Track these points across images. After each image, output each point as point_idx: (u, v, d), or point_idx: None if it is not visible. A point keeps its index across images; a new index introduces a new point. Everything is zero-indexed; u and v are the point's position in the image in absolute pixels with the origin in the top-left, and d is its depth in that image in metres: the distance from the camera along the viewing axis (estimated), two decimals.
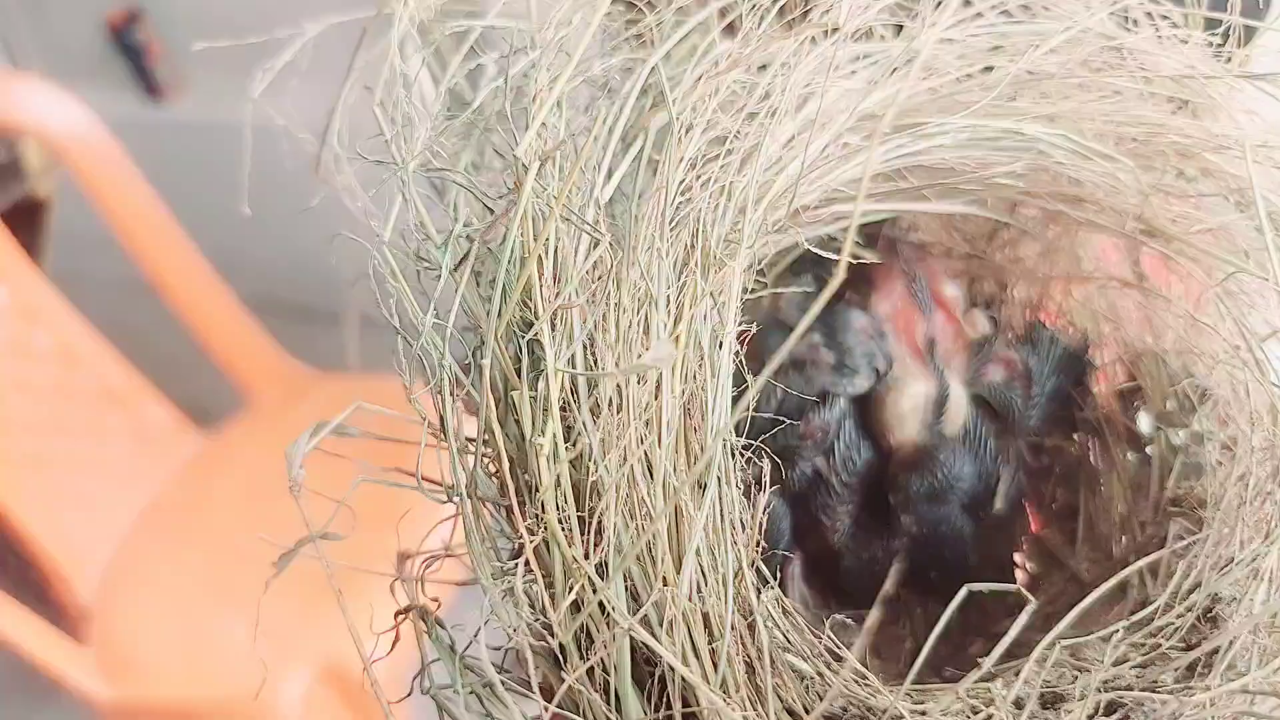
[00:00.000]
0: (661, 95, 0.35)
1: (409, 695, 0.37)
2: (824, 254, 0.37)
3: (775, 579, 0.40)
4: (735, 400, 0.37)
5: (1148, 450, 0.44)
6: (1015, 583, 0.45)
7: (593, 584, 0.29)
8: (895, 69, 0.39)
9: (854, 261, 0.40)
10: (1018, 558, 0.47)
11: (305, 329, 1.34)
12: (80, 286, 1.22)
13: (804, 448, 0.42)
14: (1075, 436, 0.47)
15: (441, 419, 0.32)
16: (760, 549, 0.33)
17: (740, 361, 0.34)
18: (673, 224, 0.33)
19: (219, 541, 1.15)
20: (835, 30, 0.35)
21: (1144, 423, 0.45)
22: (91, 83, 1.42)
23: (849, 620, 0.38)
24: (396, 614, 0.35)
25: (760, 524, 0.32)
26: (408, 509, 0.38)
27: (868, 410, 0.44)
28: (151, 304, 1.21)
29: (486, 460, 0.33)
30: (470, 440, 0.33)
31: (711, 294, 0.34)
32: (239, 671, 1.01)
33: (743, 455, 0.33)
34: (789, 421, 0.39)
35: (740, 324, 0.35)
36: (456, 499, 0.32)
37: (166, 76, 1.61)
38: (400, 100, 0.35)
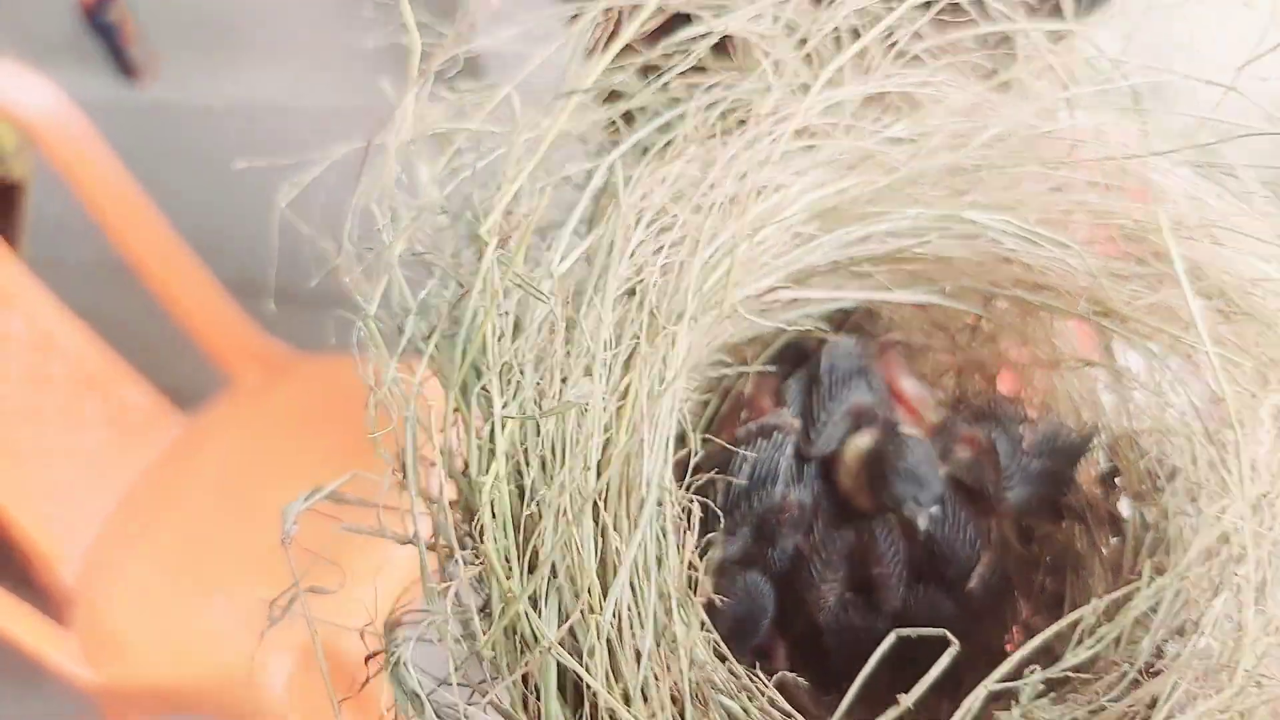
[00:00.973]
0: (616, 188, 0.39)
1: None
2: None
3: (758, 664, 0.41)
4: (684, 460, 0.40)
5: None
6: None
7: (518, 601, 0.31)
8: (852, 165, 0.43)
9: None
10: (1009, 647, 0.47)
11: (284, 309, 1.33)
12: (56, 270, 1.19)
13: (782, 524, 0.44)
14: (1063, 524, 0.47)
15: (404, 468, 0.36)
16: (693, 585, 0.34)
17: (684, 420, 0.37)
18: (622, 295, 0.37)
19: (201, 524, 1.14)
20: (776, 132, 0.39)
21: (1126, 507, 0.45)
22: (64, 64, 1.37)
23: (802, 680, 0.38)
24: (366, 659, 0.38)
25: (687, 562, 0.34)
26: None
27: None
28: (128, 287, 1.19)
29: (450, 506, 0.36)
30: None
31: (664, 356, 0.37)
32: (223, 652, 1.01)
33: (678, 504, 0.35)
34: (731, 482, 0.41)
35: (691, 391, 0.38)
36: (414, 543, 0.35)
37: (140, 56, 1.58)
38: (392, 196, 0.40)
